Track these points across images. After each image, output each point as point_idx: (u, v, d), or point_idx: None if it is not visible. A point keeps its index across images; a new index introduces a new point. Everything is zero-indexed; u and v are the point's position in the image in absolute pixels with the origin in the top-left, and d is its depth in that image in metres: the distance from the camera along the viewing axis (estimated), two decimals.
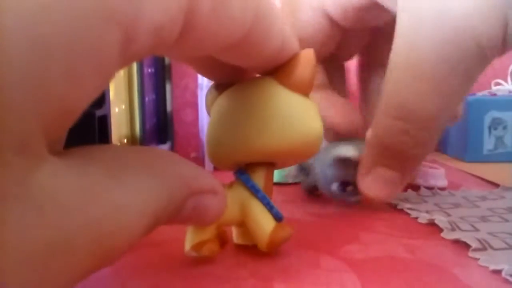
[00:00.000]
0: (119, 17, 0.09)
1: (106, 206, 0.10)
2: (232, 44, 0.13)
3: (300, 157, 0.19)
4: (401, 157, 0.21)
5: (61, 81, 0.08)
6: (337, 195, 0.26)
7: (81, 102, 0.09)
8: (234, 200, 0.18)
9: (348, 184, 0.25)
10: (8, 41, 0.07)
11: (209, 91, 0.20)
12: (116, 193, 0.10)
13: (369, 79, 0.30)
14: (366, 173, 0.22)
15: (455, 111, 0.26)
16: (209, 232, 0.19)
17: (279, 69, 0.17)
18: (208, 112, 0.20)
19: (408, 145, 0.20)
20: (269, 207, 0.19)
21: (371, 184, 0.22)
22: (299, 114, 0.17)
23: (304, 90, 0.17)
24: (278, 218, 0.19)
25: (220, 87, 0.19)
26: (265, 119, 0.17)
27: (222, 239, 0.21)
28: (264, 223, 0.18)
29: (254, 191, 0.18)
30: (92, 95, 0.09)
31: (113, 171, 0.10)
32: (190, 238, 0.18)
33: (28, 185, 0.08)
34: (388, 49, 0.20)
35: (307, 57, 0.17)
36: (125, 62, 0.10)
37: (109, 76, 0.09)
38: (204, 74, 0.20)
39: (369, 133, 0.22)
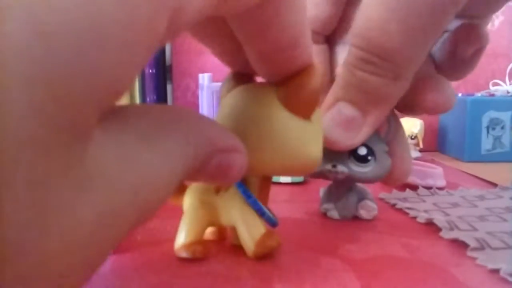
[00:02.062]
0: (168, 2, 0.09)
1: (141, 171, 0.10)
2: (255, 5, 0.13)
3: (293, 175, 0.19)
4: (364, 90, 0.20)
5: (116, 67, 0.08)
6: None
7: (129, 82, 0.09)
8: (230, 204, 0.19)
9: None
10: (66, 33, 0.07)
11: (226, 80, 0.20)
12: (148, 157, 0.10)
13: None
14: (327, 108, 0.21)
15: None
16: (198, 234, 0.19)
17: (283, 88, 0.17)
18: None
19: (372, 74, 0.19)
20: (261, 213, 0.19)
21: (330, 121, 0.21)
22: (295, 139, 0.17)
23: (305, 114, 0.17)
24: (271, 223, 0.19)
25: (236, 78, 0.19)
26: (260, 138, 0.17)
27: (221, 236, 0.21)
28: (252, 231, 0.19)
29: (246, 196, 0.18)
30: (137, 74, 0.09)
31: (143, 134, 0.11)
32: (180, 239, 0.19)
33: (84, 164, 0.08)
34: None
35: (313, 83, 0.16)
36: (170, 36, 0.10)
37: (152, 52, 0.10)
38: (222, 57, 0.19)
39: (338, 68, 0.21)
